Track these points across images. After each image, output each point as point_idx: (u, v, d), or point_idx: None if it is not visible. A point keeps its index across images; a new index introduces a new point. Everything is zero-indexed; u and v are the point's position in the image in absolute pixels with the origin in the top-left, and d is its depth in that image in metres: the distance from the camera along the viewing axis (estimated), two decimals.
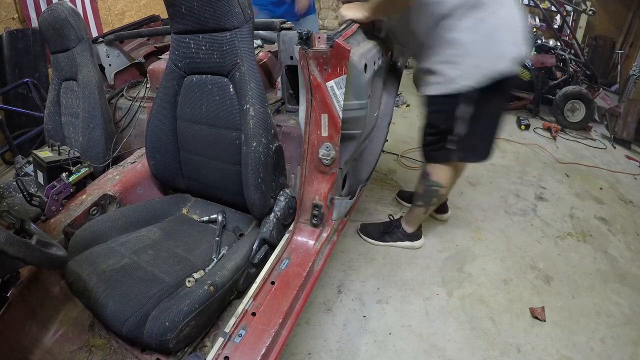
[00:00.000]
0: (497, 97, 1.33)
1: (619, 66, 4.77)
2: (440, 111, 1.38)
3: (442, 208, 2.06)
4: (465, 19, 1.19)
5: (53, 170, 1.37)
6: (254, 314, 0.98)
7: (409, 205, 2.01)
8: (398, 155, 2.77)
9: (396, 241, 1.86)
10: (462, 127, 1.36)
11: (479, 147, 1.46)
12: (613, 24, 5.11)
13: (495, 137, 1.45)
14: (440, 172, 1.54)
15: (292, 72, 1.38)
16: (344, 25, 1.25)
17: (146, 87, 1.76)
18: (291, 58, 1.34)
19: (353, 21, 1.30)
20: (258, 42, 1.78)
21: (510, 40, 1.24)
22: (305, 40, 1.03)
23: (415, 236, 1.86)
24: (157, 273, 1.05)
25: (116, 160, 1.58)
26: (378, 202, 2.23)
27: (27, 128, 2.56)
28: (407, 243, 1.86)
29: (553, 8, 4.73)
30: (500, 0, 1.21)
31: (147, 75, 1.75)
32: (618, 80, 4.75)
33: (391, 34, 1.55)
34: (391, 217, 1.92)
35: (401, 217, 1.89)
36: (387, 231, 1.87)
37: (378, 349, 1.42)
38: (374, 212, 2.15)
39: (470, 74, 1.25)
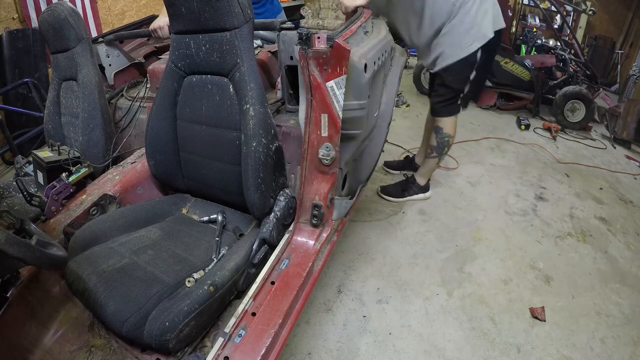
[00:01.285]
0: (488, 60, 1.86)
1: (619, 66, 4.78)
2: (460, 74, 1.81)
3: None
4: (462, 10, 1.67)
5: (53, 171, 1.36)
6: (254, 314, 0.98)
7: (397, 172, 2.54)
8: (405, 150, 2.77)
9: (412, 195, 2.21)
10: (468, 87, 1.86)
11: (475, 95, 2.10)
12: (613, 24, 5.12)
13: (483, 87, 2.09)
14: (449, 124, 1.95)
15: (292, 72, 1.38)
16: (346, 23, 1.25)
17: (146, 87, 1.76)
18: (291, 58, 1.34)
19: (360, 6, 1.41)
20: (258, 42, 1.78)
21: (496, 13, 1.75)
22: (305, 40, 1.02)
23: (426, 188, 2.23)
24: (157, 273, 1.05)
25: (116, 160, 1.58)
26: (378, 202, 2.23)
27: (27, 128, 2.56)
28: (421, 195, 2.22)
29: (553, 8, 4.73)
30: None
31: (147, 75, 1.75)
32: (618, 80, 4.75)
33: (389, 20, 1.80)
34: (405, 175, 2.30)
35: (413, 174, 2.24)
36: (405, 188, 2.21)
37: (378, 349, 1.42)
38: (374, 212, 2.15)
39: (479, 37, 1.71)
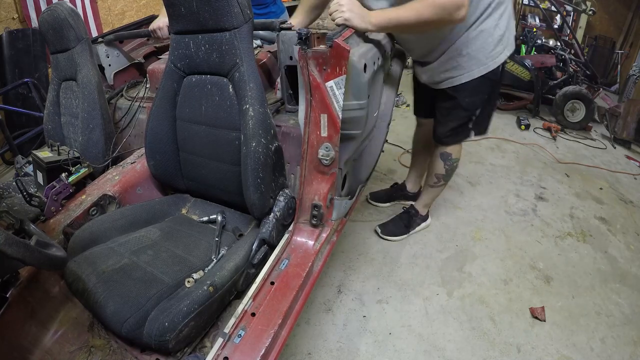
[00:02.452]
0: (500, 80, 1.55)
1: (619, 66, 4.77)
2: (480, 92, 1.52)
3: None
4: (497, 11, 1.38)
5: (52, 171, 1.36)
6: (253, 314, 0.98)
7: (387, 204, 2.21)
8: (405, 150, 2.77)
9: (415, 227, 1.98)
10: (481, 110, 1.56)
11: (486, 123, 1.65)
12: (613, 24, 5.11)
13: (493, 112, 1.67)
14: (457, 149, 1.72)
15: (291, 72, 1.38)
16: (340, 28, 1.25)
17: (146, 87, 1.76)
18: (290, 58, 1.34)
19: (347, 26, 1.20)
20: (258, 42, 1.78)
21: (513, 24, 1.47)
22: (305, 40, 1.02)
23: (427, 216, 2.02)
24: (156, 273, 1.05)
25: (116, 161, 1.58)
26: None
27: (27, 128, 2.56)
28: (423, 225, 2.01)
29: (553, 8, 4.73)
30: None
31: (147, 75, 1.75)
32: (618, 80, 4.75)
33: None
34: (404, 207, 2.05)
35: (412, 204, 2.01)
36: (408, 223, 1.97)
37: (378, 349, 1.42)
38: (374, 212, 2.15)
39: (509, 45, 1.45)
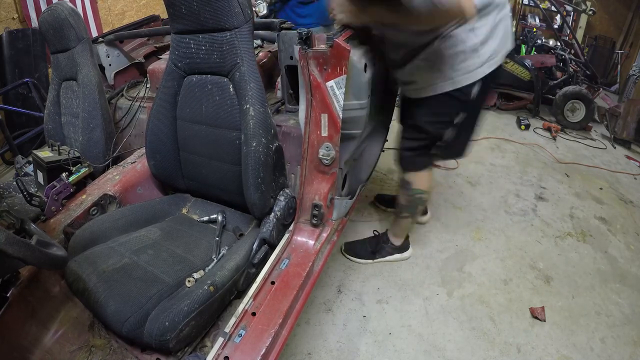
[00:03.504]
0: (484, 97, 1.31)
1: (619, 66, 4.78)
2: (442, 114, 1.31)
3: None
4: (484, 18, 1.18)
5: (53, 170, 1.37)
6: (254, 313, 0.99)
7: (390, 209, 2.02)
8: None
9: (385, 256, 1.79)
10: (451, 133, 1.34)
11: (460, 148, 1.49)
12: (613, 24, 5.12)
13: (473, 137, 1.46)
14: (421, 179, 1.49)
15: (292, 72, 1.38)
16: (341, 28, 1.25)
17: (146, 87, 1.76)
18: (291, 58, 1.34)
19: (346, 27, 1.19)
20: (258, 42, 1.79)
21: (508, 34, 1.26)
22: (305, 40, 1.03)
23: (404, 247, 1.80)
24: (157, 273, 1.05)
25: (116, 160, 1.58)
26: None
27: (27, 128, 2.56)
28: (397, 256, 1.79)
29: (553, 8, 4.74)
30: (504, 4, 1.23)
31: (147, 75, 1.75)
32: (618, 80, 4.75)
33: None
34: (376, 232, 1.85)
35: (387, 230, 1.82)
36: (376, 249, 1.78)
37: (378, 349, 1.42)
38: (374, 212, 2.15)
39: (488, 60, 1.21)
